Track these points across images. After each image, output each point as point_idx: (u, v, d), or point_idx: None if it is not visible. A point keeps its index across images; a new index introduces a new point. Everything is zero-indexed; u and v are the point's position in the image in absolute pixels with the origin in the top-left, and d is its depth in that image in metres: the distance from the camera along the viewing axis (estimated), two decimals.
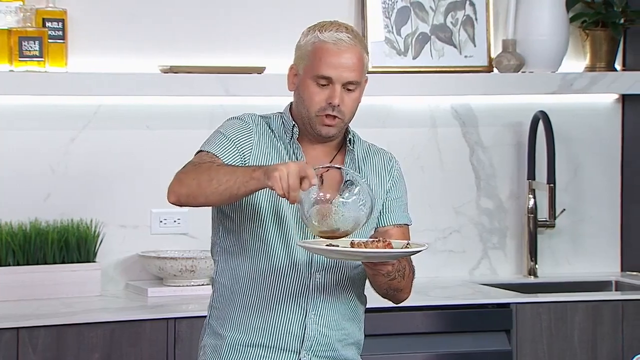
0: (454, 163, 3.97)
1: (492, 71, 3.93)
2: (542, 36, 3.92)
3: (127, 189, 3.67)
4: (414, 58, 3.88)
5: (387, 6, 3.87)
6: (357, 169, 2.52)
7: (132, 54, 3.66)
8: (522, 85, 3.92)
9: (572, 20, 4.00)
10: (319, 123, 2.43)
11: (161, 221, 3.70)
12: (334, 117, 2.42)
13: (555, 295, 3.65)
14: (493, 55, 3.95)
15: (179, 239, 3.71)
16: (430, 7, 3.91)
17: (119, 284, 3.65)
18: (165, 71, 3.63)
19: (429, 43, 3.90)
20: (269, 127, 2.50)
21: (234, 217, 2.49)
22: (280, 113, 2.54)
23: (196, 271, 3.55)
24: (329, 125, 2.43)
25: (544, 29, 3.93)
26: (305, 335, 2.46)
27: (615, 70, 4.06)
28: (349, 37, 2.43)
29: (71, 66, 3.57)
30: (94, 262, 3.53)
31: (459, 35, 3.92)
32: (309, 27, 2.48)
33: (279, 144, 2.48)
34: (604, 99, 4.12)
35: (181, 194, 2.37)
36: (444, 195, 3.96)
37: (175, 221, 3.71)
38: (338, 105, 2.41)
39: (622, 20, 3.99)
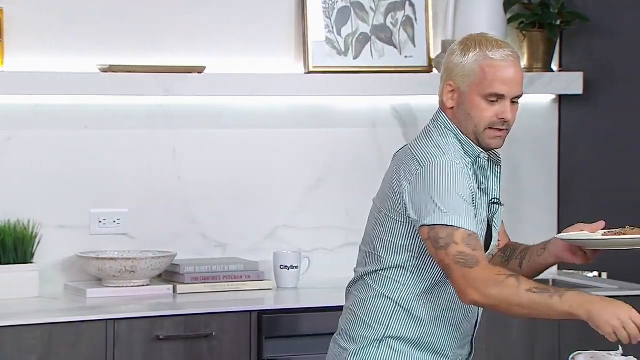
0: None
1: (432, 71, 3.93)
2: None
3: (66, 189, 3.60)
4: (354, 58, 3.86)
5: (327, 6, 3.84)
6: (500, 177, 2.58)
7: (71, 53, 3.59)
8: None
9: (509, 21, 4.01)
10: (488, 137, 2.48)
11: (100, 221, 3.64)
12: (502, 129, 2.49)
13: None
14: (432, 56, 3.94)
15: (118, 240, 3.65)
16: (371, 8, 3.89)
17: (57, 285, 3.58)
18: (104, 70, 3.56)
19: (369, 43, 3.88)
20: (458, 153, 2.48)
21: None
22: (453, 134, 2.50)
23: (136, 272, 3.49)
24: (499, 137, 2.49)
25: (482, 29, 3.85)
26: (472, 352, 2.61)
27: (552, 71, 4.08)
28: (512, 52, 2.48)
29: (8, 65, 3.49)
30: (32, 263, 3.45)
31: (399, 35, 3.91)
32: (462, 44, 2.49)
33: (469, 175, 2.48)
34: (541, 100, 4.13)
35: (483, 305, 2.40)
36: None
37: (114, 221, 3.65)
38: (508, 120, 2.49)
39: (558, 22, 4.01)
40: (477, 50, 2.46)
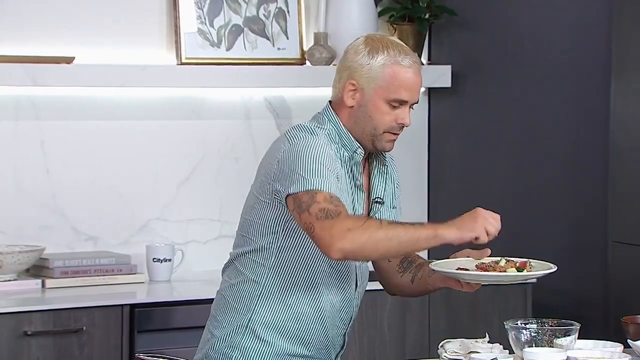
0: None
1: (305, 64, 3.89)
2: (352, 30, 3.90)
3: None
4: (227, 50, 3.78)
5: None
6: (386, 177, 2.57)
7: None
8: (333, 77, 3.86)
9: (380, 14, 4.01)
10: (384, 140, 2.47)
11: None
12: (397, 133, 2.49)
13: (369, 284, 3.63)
14: (305, 48, 3.90)
15: None
16: None
17: None
18: None
19: (242, 35, 3.81)
20: (332, 141, 2.45)
21: (300, 233, 2.42)
22: (333, 125, 2.46)
23: (3, 266, 3.35)
24: (392, 141, 2.49)
25: (353, 22, 3.92)
26: (344, 345, 2.55)
27: (422, 64, 4.04)
28: (417, 59, 2.48)
29: None
30: None
31: (271, 27, 3.85)
32: (368, 44, 2.45)
33: (337, 159, 2.43)
34: None
35: (352, 252, 2.30)
36: None
37: None
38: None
39: (427, 15, 4.01)
40: (386, 54, 2.43)
